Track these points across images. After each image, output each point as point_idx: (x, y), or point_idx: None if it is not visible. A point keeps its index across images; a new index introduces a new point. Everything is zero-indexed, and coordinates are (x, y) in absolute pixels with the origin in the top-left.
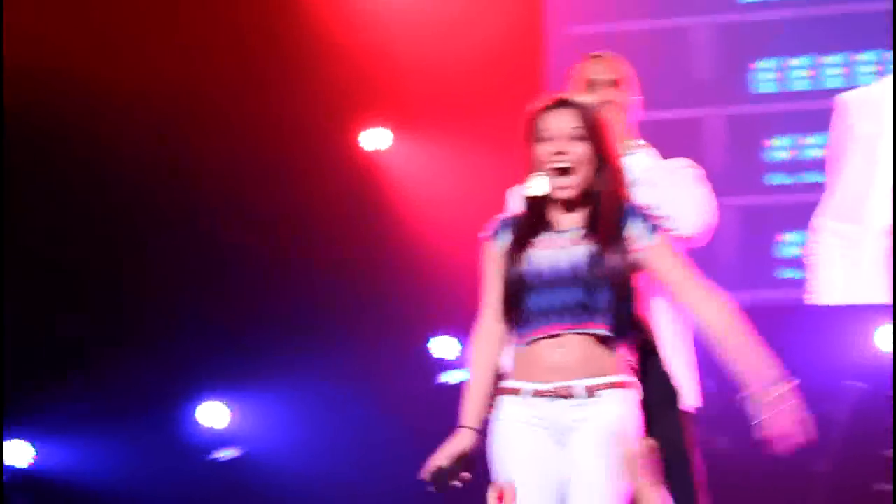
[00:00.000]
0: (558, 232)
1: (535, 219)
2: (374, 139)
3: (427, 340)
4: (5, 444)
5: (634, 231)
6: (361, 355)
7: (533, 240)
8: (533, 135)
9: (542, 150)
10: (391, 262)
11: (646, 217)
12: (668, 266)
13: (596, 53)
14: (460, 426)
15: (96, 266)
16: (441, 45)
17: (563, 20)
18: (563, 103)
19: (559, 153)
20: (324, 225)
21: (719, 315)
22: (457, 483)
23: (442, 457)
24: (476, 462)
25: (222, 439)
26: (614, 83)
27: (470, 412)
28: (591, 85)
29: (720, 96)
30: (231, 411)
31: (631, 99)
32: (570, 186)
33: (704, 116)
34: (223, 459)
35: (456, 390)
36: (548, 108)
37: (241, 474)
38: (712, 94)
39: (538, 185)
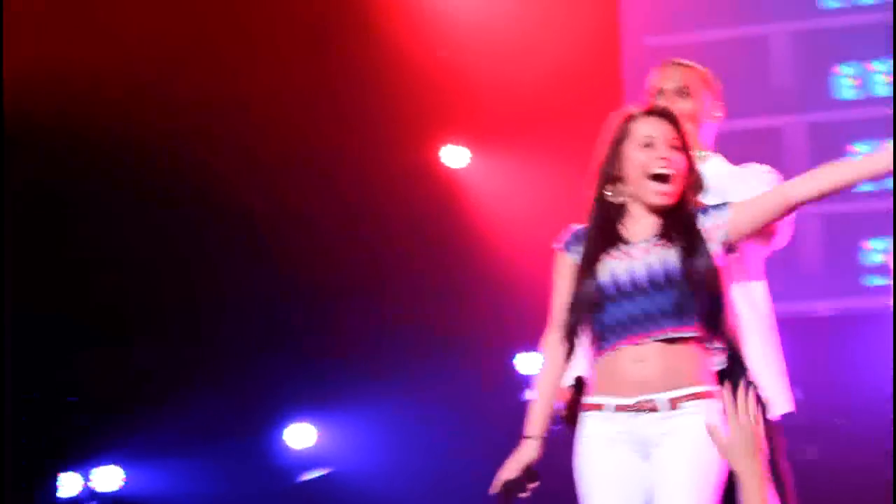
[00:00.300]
0: (631, 243)
1: (607, 230)
2: (453, 157)
3: (511, 357)
4: (95, 469)
5: (708, 223)
6: (446, 374)
7: (607, 251)
8: (628, 138)
9: (645, 155)
10: (474, 279)
11: (712, 208)
12: (755, 204)
13: (668, 61)
14: (525, 437)
15: (182, 291)
16: (518, 62)
17: (639, 32)
18: (662, 112)
19: (665, 159)
20: (406, 244)
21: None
22: (523, 495)
23: (509, 469)
24: (539, 473)
25: (309, 460)
26: (683, 91)
27: (534, 422)
28: (660, 93)
29: (801, 103)
30: (317, 432)
31: (703, 107)
32: (670, 194)
33: (785, 125)
34: (310, 480)
35: None
36: (648, 114)
37: (327, 495)
38: (793, 102)
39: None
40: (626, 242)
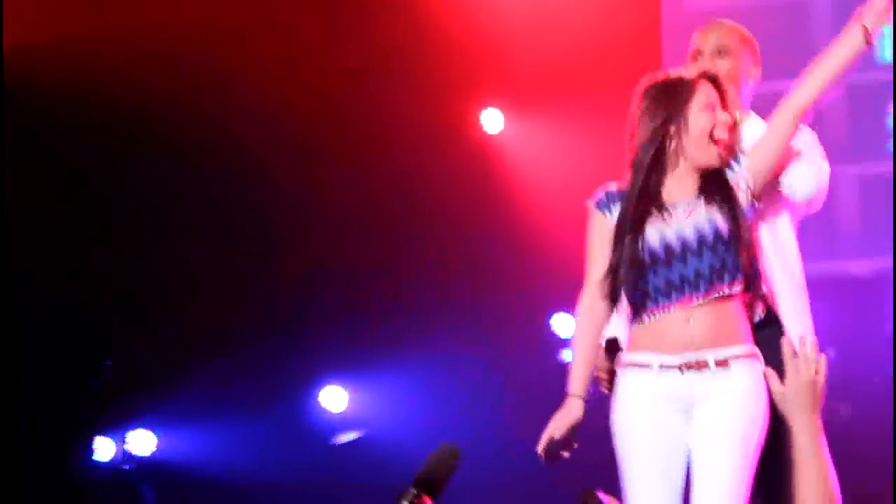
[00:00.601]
0: (671, 203)
1: (647, 190)
2: (490, 122)
3: (547, 319)
4: (130, 434)
5: (734, 176)
6: (482, 336)
7: (647, 214)
8: (686, 100)
9: (705, 118)
10: (510, 242)
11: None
12: (765, 136)
13: (708, 22)
14: (568, 396)
15: (216, 257)
16: (555, 25)
17: None
18: (713, 76)
19: (726, 124)
20: (442, 206)
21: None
22: (566, 454)
23: (553, 428)
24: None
25: (342, 423)
26: (723, 51)
27: (577, 382)
28: (700, 54)
29: None
30: (351, 395)
31: (742, 67)
32: (724, 156)
33: None
34: (343, 443)
35: None
36: (704, 79)
37: (361, 458)
38: None
39: None
40: (666, 203)
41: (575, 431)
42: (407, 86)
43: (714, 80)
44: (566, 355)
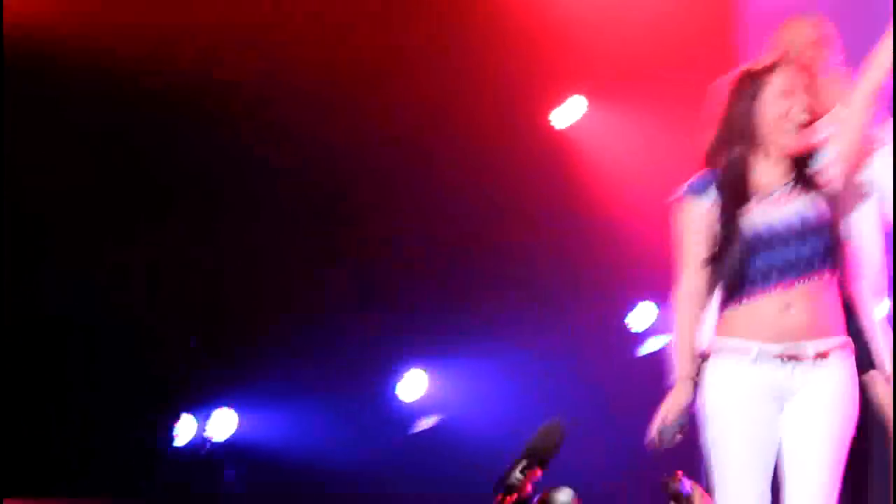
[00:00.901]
0: (768, 189)
1: (743, 176)
2: (568, 111)
3: (625, 311)
4: (212, 412)
5: (822, 164)
6: (559, 327)
7: (746, 198)
8: (764, 88)
9: (783, 104)
10: (587, 233)
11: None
12: (841, 125)
13: (795, 16)
14: (678, 379)
15: (296, 242)
16: (631, 13)
17: None
18: (795, 63)
19: (802, 109)
20: (521, 196)
21: None
22: (679, 437)
23: (665, 412)
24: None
25: (421, 409)
26: (811, 46)
27: (684, 364)
28: (788, 48)
29: None
30: (430, 382)
31: (828, 59)
32: (807, 142)
33: None
34: (423, 428)
35: (654, 359)
36: (783, 66)
37: (440, 444)
38: None
39: None
40: (763, 188)
41: (686, 414)
42: (483, 75)
43: (798, 66)
44: (644, 347)
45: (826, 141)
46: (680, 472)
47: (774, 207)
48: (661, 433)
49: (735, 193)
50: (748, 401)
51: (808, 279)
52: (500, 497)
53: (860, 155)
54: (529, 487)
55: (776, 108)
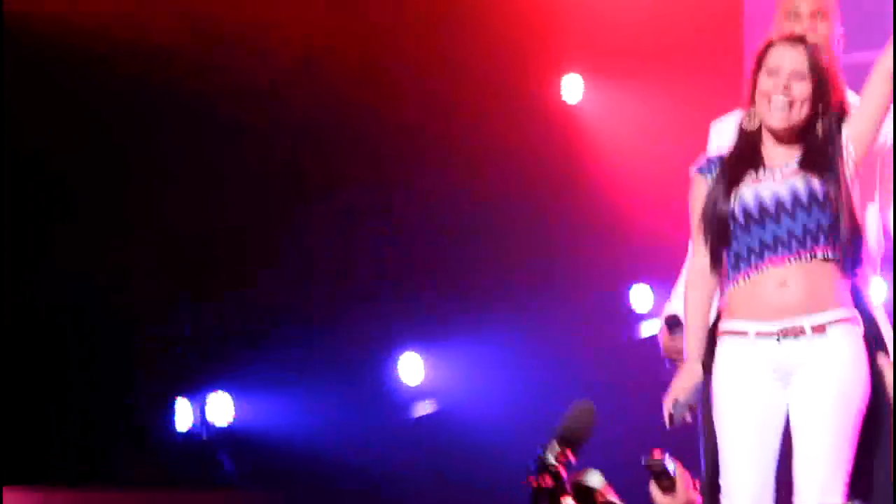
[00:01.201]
0: (769, 167)
1: (746, 154)
2: (570, 90)
3: (625, 294)
4: (209, 396)
5: (840, 143)
6: (556, 309)
7: (744, 175)
8: (760, 67)
9: (767, 83)
10: (588, 214)
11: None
12: (863, 100)
13: None
14: (688, 360)
15: (294, 227)
16: None
17: None
18: (792, 40)
19: (785, 88)
20: (521, 179)
21: None
22: (689, 417)
23: (677, 391)
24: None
25: (419, 396)
26: (817, 14)
27: (694, 345)
28: (793, 16)
29: None
30: (428, 366)
31: (834, 33)
32: (789, 120)
33: None
34: (420, 415)
35: (652, 341)
36: (777, 43)
37: (438, 430)
38: None
39: None
40: (765, 166)
41: (697, 394)
42: (484, 54)
43: (799, 42)
44: (643, 329)
45: (831, 119)
46: (659, 451)
47: (767, 184)
48: (672, 412)
49: (733, 168)
50: (750, 382)
51: (801, 256)
52: (533, 479)
53: (875, 135)
54: (562, 470)
55: (762, 86)
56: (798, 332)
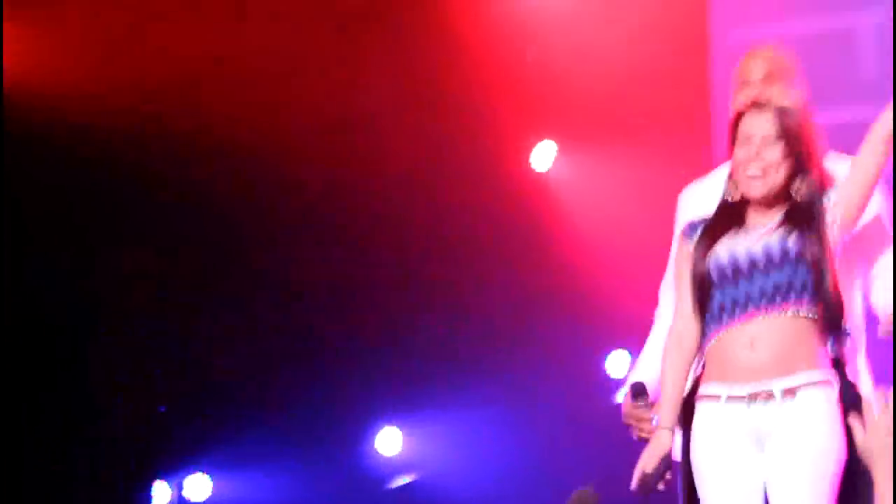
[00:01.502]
0: (750, 227)
1: (727, 217)
2: (541, 157)
3: (600, 361)
4: (186, 478)
5: (826, 206)
6: (532, 377)
7: (722, 236)
8: (734, 138)
9: (740, 153)
10: (561, 281)
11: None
12: (853, 168)
13: (750, 50)
14: (658, 427)
15: (270, 293)
16: (605, 59)
17: (727, 26)
18: (759, 105)
19: (757, 154)
20: (492, 246)
21: None
22: (661, 486)
23: (645, 462)
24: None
25: (396, 466)
26: (771, 78)
27: (666, 413)
28: (745, 84)
29: (885, 96)
30: (404, 438)
31: (790, 92)
32: (764, 188)
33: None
34: (397, 486)
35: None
36: (746, 111)
37: (415, 501)
38: (878, 94)
39: None
40: (747, 228)
41: (668, 463)
42: (455, 118)
43: (765, 107)
44: (619, 396)
45: (811, 180)
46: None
47: (743, 243)
48: (642, 482)
49: (712, 230)
50: (725, 447)
51: (769, 312)
52: None
53: (864, 201)
54: None
55: (737, 156)
56: (767, 397)
